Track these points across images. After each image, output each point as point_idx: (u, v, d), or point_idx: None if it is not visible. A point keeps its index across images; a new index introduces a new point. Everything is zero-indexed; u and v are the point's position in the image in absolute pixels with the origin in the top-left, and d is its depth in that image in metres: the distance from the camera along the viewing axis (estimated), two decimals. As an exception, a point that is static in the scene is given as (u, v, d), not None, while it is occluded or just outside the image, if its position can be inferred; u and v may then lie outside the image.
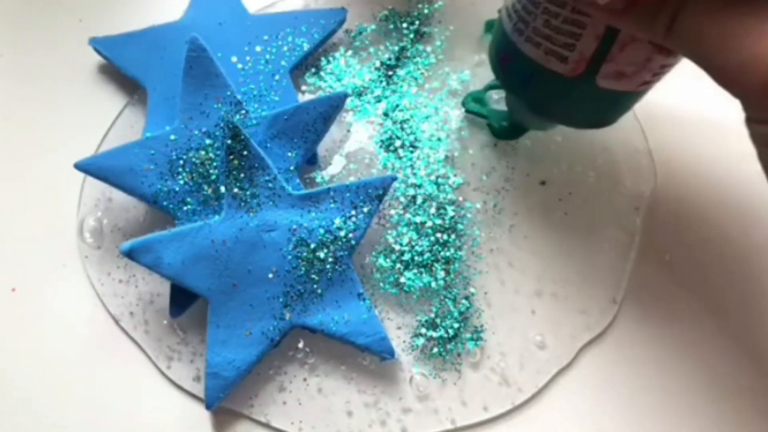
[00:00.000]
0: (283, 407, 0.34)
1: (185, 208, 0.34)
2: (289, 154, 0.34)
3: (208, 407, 0.33)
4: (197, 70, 0.34)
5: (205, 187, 0.34)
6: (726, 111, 0.37)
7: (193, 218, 0.34)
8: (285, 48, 0.36)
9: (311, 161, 0.36)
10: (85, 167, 0.34)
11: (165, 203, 0.34)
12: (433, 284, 0.34)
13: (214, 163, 0.34)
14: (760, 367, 0.34)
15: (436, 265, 0.34)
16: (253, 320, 0.33)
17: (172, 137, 0.34)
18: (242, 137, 0.33)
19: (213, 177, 0.34)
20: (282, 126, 0.34)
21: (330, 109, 0.34)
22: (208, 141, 0.34)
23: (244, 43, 0.36)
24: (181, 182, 0.34)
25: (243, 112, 0.34)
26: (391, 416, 0.34)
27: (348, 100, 0.37)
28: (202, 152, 0.34)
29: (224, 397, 0.33)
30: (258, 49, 0.36)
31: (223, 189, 0.33)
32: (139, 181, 0.33)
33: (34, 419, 0.34)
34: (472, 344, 0.34)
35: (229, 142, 0.33)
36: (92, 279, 0.36)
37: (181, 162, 0.34)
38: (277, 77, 0.36)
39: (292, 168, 0.34)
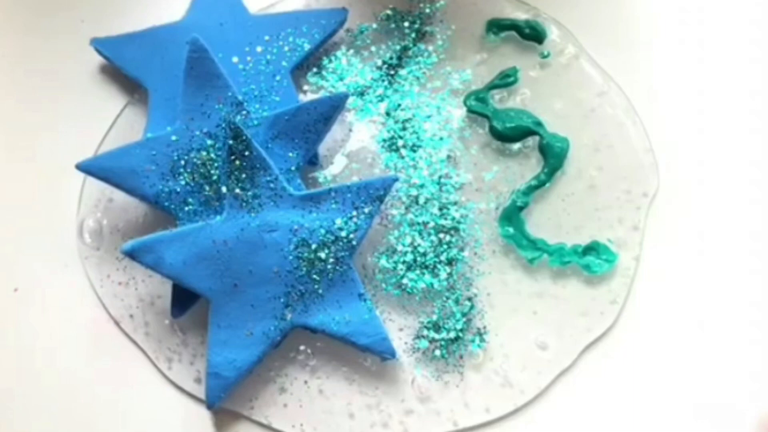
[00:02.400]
0: (283, 409, 0.34)
1: (187, 208, 0.34)
2: (290, 154, 0.34)
3: (209, 407, 0.33)
4: (198, 70, 0.34)
5: (207, 188, 0.34)
6: (728, 109, 0.38)
7: (194, 219, 0.34)
8: (286, 48, 0.36)
9: (312, 161, 0.36)
10: (87, 168, 0.34)
11: (166, 204, 0.34)
12: (436, 285, 0.34)
13: (216, 164, 0.33)
14: (763, 365, 0.34)
15: (438, 266, 0.34)
16: (254, 320, 0.33)
17: (174, 138, 0.34)
18: (244, 138, 0.32)
19: (214, 177, 0.33)
20: (283, 126, 0.34)
21: (331, 109, 0.34)
22: (209, 141, 0.34)
23: (245, 44, 0.36)
24: (183, 183, 0.33)
25: (244, 112, 0.34)
26: (393, 418, 0.34)
27: (350, 100, 0.37)
28: (204, 153, 0.34)
29: (225, 397, 0.33)
30: (259, 49, 0.36)
31: (224, 189, 0.33)
32: (141, 182, 0.33)
33: (34, 419, 0.34)
34: (475, 346, 0.34)
35: (230, 142, 0.33)
36: (92, 280, 0.36)
37: (183, 162, 0.34)
38: (278, 77, 0.36)
39: (293, 168, 0.34)
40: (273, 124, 0.34)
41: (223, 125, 0.34)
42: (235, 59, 0.36)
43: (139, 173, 0.33)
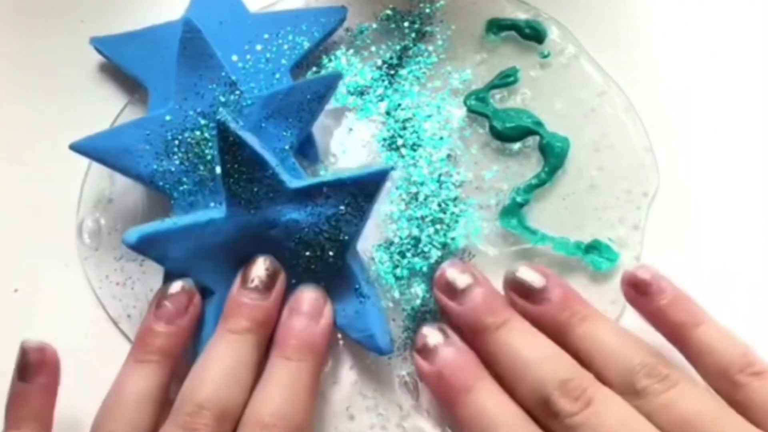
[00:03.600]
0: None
1: (181, 188, 0.34)
2: (284, 133, 0.34)
3: None
4: (191, 50, 0.34)
5: (201, 168, 0.34)
6: (728, 108, 0.37)
7: (188, 198, 0.33)
8: (285, 47, 0.36)
9: (312, 158, 0.36)
10: (81, 148, 0.34)
11: (161, 183, 0.33)
12: (425, 268, 0.34)
13: (210, 144, 0.33)
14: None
15: (433, 250, 0.34)
16: None
17: (168, 118, 0.34)
18: (232, 137, 0.32)
19: (208, 157, 0.33)
20: (276, 106, 0.34)
21: (324, 88, 0.34)
22: (203, 121, 0.34)
23: (245, 42, 0.36)
24: (177, 162, 0.33)
25: (237, 92, 0.34)
26: (390, 421, 0.34)
27: (350, 99, 0.37)
28: (197, 132, 0.34)
29: None
30: (258, 47, 0.36)
31: (218, 169, 0.33)
32: (135, 162, 0.33)
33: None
34: None
35: (221, 143, 0.32)
36: (91, 281, 0.36)
37: (177, 142, 0.34)
38: (277, 76, 0.36)
39: (287, 147, 0.34)
40: (267, 103, 0.34)
41: (217, 105, 0.34)
42: (234, 58, 0.36)
43: (133, 153, 0.33)
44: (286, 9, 0.38)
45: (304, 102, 0.34)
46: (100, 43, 0.37)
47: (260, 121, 0.34)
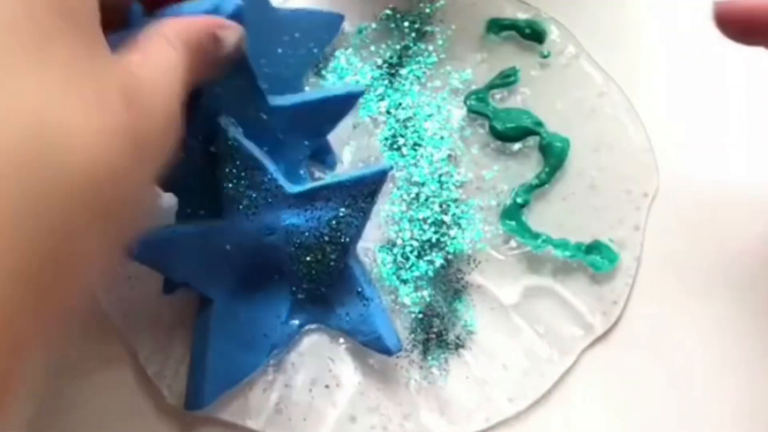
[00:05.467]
0: (285, 411, 0.34)
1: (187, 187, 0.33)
2: (306, 143, 0.34)
3: (196, 407, 0.33)
4: None
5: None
6: (728, 109, 0.38)
7: (194, 200, 0.33)
8: (302, 50, 0.36)
9: (330, 164, 0.35)
10: None
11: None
12: (430, 272, 0.34)
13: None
14: (764, 366, 0.34)
15: (437, 255, 0.34)
16: (257, 324, 0.33)
17: None
18: (231, 141, 0.31)
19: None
20: (297, 118, 0.33)
21: (346, 105, 0.33)
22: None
23: (270, 44, 0.35)
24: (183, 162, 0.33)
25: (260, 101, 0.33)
26: (392, 421, 0.34)
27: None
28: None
29: (216, 397, 0.33)
30: (279, 51, 0.35)
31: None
32: None
33: (32, 420, 0.34)
34: (466, 332, 0.34)
35: (221, 146, 0.31)
36: (90, 280, 0.35)
37: (183, 143, 0.33)
38: (295, 81, 0.36)
39: (301, 158, 0.34)
40: (287, 114, 0.32)
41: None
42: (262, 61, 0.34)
43: None
44: (283, 9, 0.37)
45: (325, 115, 0.33)
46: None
47: (279, 132, 0.33)
